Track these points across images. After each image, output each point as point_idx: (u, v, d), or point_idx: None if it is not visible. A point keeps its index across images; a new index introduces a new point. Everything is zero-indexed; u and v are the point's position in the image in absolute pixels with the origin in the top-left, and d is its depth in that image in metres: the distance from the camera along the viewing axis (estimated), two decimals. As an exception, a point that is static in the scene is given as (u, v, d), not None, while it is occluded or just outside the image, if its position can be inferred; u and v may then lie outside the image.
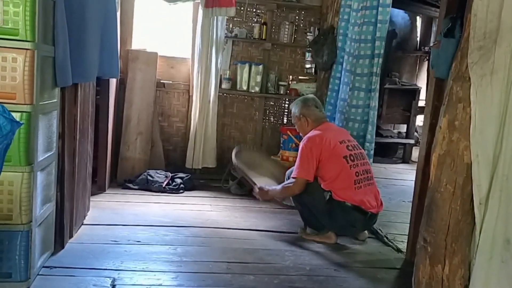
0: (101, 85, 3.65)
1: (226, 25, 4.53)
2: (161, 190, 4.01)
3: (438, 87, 2.60)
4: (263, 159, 4.20)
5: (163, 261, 2.57)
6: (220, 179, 4.38)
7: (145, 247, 2.75)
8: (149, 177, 4.09)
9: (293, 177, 3.10)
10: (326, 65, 4.30)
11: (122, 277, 2.33)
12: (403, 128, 6.80)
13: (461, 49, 2.07)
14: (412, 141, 6.45)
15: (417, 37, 7.12)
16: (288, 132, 4.25)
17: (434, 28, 6.79)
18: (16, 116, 1.93)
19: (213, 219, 3.40)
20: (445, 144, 2.09)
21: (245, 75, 4.64)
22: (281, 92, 4.76)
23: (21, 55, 1.95)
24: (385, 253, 3.01)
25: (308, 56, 4.75)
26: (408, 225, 2.94)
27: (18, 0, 1.92)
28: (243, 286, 2.36)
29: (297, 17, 4.79)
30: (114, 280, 2.29)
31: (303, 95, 3.87)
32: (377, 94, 3.61)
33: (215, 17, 4.30)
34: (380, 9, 3.51)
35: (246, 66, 4.63)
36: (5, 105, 1.76)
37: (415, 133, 6.58)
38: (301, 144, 3.18)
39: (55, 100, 2.30)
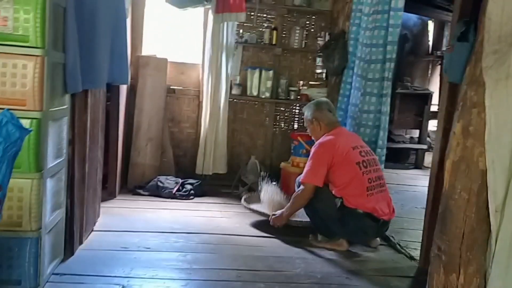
0: (112, 91, 3.67)
1: (236, 30, 4.53)
2: (171, 196, 4.00)
3: (451, 92, 2.56)
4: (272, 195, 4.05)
5: (172, 268, 2.55)
6: (230, 185, 4.36)
7: (154, 254, 2.73)
8: (159, 183, 4.09)
9: (301, 182, 3.07)
10: (337, 70, 4.26)
11: (131, 285, 2.31)
12: (416, 133, 6.72)
13: (475, 53, 2.03)
14: (424, 147, 6.37)
15: (429, 41, 7.04)
16: (299, 137, 4.21)
17: (446, 32, 6.72)
18: (26, 122, 1.94)
19: (223, 226, 3.38)
20: (460, 150, 2.04)
21: (256, 81, 4.62)
22: (292, 98, 4.73)
23: (31, 61, 1.95)
24: (397, 260, 2.96)
25: (319, 61, 4.72)
26: (421, 232, 2.88)
27: (29, 7, 1.93)
28: (253, 294, 2.33)
29: (307, 22, 4.77)
30: (123, 287, 2.27)
31: (316, 99, 3.83)
32: (389, 99, 3.56)
33: (225, 23, 4.30)
34: (391, 13, 3.46)
35: (257, 72, 4.61)
36: (15, 111, 1.76)
37: (428, 138, 6.50)
38: (313, 149, 3.15)
39: (65, 107, 2.30)
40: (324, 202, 3.03)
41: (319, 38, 4.71)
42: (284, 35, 4.73)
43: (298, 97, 4.72)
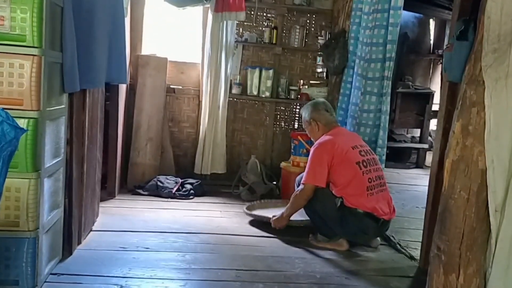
0: (111, 91, 3.66)
1: (236, 29, 4.52)
2: (171, 196, 4.00)
3: (451, 91, 2.54)
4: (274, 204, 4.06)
5: (171, 268, 2.54)
6: (230, 185, 4.35)
7: (153, 254, 2.72)
8: (159, 183, 4.08)
9: (302, 183, 3.06)
10: (338, 69, 4.25)
11: (129, 285, 2.30)
12: (417, 132, 6.71)
13: (475, 52, 2.01)
14: (426, 146, 6.35)
15: (430, 40, 7.02)
16: (299, 137, 4.20)
17: (447, 31, 6.69)
18: (23, 122, 1.93)
19: (222, 226, 3.37)
20: (459, 149, 2.02)
21: (255, 80, 4.61)
22: (292, 97, 4.72)
23: (28, 61, 1.94)
24: (397, 260, 2.95)
25: (319, 60, 4.70)
26: (422, 232, 2.87)
27: (25, 6, 1.92)
28: (252, 295, 2.32)
29: (308, 21, 4.75)
30: (121, 287, 2.27)
31: (314, 99, 3.82)
32: (389, 99, 3.55)
33: (225, 22, 4.28)
34: (391, 12, 3.45)
35: (256, 71, 4.60)
36: (12, 111, 1.76)
37: (429, 138, 6.48)
38: (312, 149, 3.14)
39: (63, 106, 2.29)
40: (324, 202, 3.02)
41: (319, 37, 4.70)
42: (284, 34, 4.72)
43: (299, 96, 4.70)
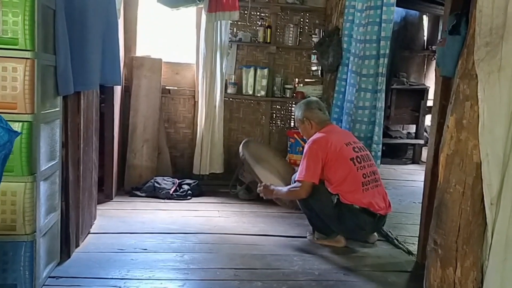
0: (106, 93, 3.65)
1: (230, 29, 4.52)
2: (168, 197, 3.99)
3: (445, 86, 2.55)
4: (270, 155, 4.16)
5: (169, 269, 2.54)
6: (228, 184, 4.34)
7: (151, 255, 2.72)
8: (156, 184, 4.07)
9: (298, 180, 3.05)
10: (332, 66, 4.26)
11: (128, 286, 2.30)
12: (412, 128, 6.73)
13: (467, 46, 2.03)
14: (421, 142, 6.37)
15: (424, 36, 7.04)
16: (295, 135, 4.21)
17: (440, 27, 6.71)
18: (18, 125, 1.93)
19: (220, 225, 3.37)
20: (453, 143, 2.04)
21: (251, 79, 4.61)
22: (287, 96, 4.72)
23: (21, 64, 1.94)
24: (395, 256, 2.95)
25: (313, 59, 4.71)
26: (419, 226, 2.88)
27: (17, 10, 1.92)
28: (251, 293, 2.33)
29: (301, 20, 4.76)
30: (120, 289, 2.27)
31: (308, 97, 3.83)
32: (383, 95, 3.56)
33: (219, 22, 4.28)
34: (384, 8, 3.46)
35: (252, 70, 4.60)
36: (6, 115, 1.76)
37: (425, 133, 6.50)
38: (306, 147, 3.14)
39: (58, 109, 2.29)
40: (320, 200, 3.02)
41: (313, 35, 4.70)
42: (278, 33, 4.72)
43: (294, 95, 4.70)
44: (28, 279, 2.05)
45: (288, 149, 4.34)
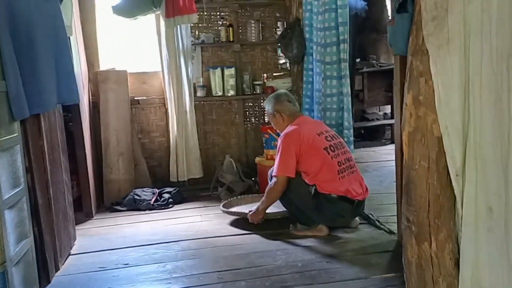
0: (72, 111, 3.61)
1: (192, 32, 4.49)
2: (149, 207, 3.96)
3: (402, 64, 2.55)
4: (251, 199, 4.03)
5: (152, 281, 2.52)
6: (209, 188, 4.34)
7: (133, 269, 2.70)
8: (136, 197, 4.04)
9: (273, 176, 3.06)
10: (297, 58, 4.26)
11: (110, 304, 2.28)
12: (388, 109, 6.77)
13: (415, 22, 2.04)
14: (398, 121, 6.41)
15: (388, 17, 7.07)
16: (269, 130, 4.20)
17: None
18: (-27, 157, 1.89)
19: (203, 229, 3.36)
20: (413, 120, 2.05)
21: (219, 80, 4.59)
22: (258, 92, 4.71)
23: (-32, 94, 1.90)
24: (377, 237, 2.98)
25: (280, 52, 4.71)
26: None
27: (-43, 39, 1.87)
28: (234, 294, 2.32)
29: (262, 14, 4.75)
30: (102, 307, 2.24)
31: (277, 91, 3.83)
32: (348, 80, 3.58)
33: (179, 26, 4.25)
34: (338, -6, 3.48)
35: (218, 71, 4.58)
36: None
37: (400, 112, 6.54)
38: (278, 141, 3.15)
39: (15, 135, 2.24)
40: (298, 192, 3.03)
41: (276, 29, 4.70)
42: (240, 31, 4.70)
43: (264, 90, 4.69)
44: (5, 311, 2.01)
45: (264, 145, 4.33)
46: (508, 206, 1.82)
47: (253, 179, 4.48)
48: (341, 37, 3.51)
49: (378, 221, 3.18)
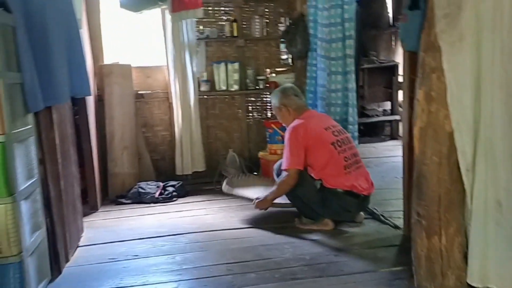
0: (78, 104, 3.60)
1: (196, 27, 4.50)
2: (154, 201, 3.98)
3: (411, 60, 2.59)
4: (253, 180, 4.05)
5: (162, 272, 2.55)
6: (212, 181, 4.36)
7: (143, 261, 2.72)
8: (140, 190, 4.06)
9: (284, 169, 3.08)
10: (301, 53, 4.28)
11: (123, 294, 2.31)
12: (388, 105, 6.81)
13: (428, 19, 2.06)
14: (397, 117, 6.46)
15: (388, 13, 7.11)
16: (273, 125, 4.23)
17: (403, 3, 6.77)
18: (-10, 148, 1.90)
19: (209, 223, 3.38)
20: (425, 116, 2.08)
21: (222, 75, 4.61)
22: (261, 87, 4.73)
23: (-14, 85, 1.91)
24: (383, 231, 3.02)
25: (283, 47, 4.73)
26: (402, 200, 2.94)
27: (-25, 30, 1.88)
28: (245, 285, 2.34)
29: (266, 10, 4.77)
30: (115, 298, 2.27)
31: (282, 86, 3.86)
32: (354, 76, 3.61)
33: (184, 21, 4.26)
34: (345, -10, 3.50)
35: (222, 66, 4.60)
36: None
37: (400, 109, 6.59)
38: (286, 135, 3.17)
39: (30, 126, 2.26)
40: (304, 186, 3.06)
41: (279, 24, 4.72)
42: (244, 26, 4.72)
43: (267, 85, 4.72)
44: (21, 300, 2.03)
45: (267, 139, 4.36)
46: (517, 200, 1.86)
47: (255, 173, 4.52)
48: (347, 33, 3.54)
49: (383, 216, 3.22)
